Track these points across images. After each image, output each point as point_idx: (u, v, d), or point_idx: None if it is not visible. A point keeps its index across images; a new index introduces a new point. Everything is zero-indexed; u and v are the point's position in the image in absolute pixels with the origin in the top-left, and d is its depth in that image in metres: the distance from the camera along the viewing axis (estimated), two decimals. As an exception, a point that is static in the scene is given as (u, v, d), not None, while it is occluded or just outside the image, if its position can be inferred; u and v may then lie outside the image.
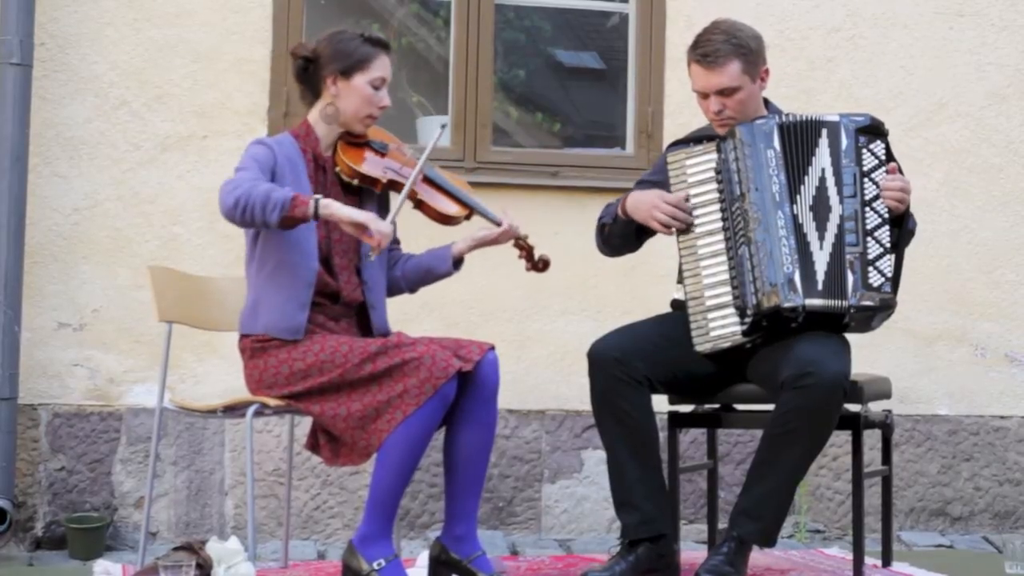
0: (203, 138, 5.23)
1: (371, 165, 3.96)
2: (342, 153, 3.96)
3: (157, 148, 5.20)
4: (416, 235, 4.36)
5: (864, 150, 4.03)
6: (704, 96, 4.12)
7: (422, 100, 6.10)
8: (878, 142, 4.05)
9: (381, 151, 4.01)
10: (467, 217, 4.08)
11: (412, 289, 4.18)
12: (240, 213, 3.69)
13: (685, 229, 4.06)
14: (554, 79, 6.50)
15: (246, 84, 5.26)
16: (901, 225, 4.04)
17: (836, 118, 4.05)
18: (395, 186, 3.95)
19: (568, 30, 6.40)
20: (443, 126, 4.04)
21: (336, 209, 3.71)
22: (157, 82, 5.21)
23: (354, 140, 4.00)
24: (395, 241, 4.17)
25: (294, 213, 3.68)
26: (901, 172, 4.04)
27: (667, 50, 5.54)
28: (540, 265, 4.15)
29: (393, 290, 4.16)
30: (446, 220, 4.04)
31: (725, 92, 4.07)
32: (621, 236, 4.25)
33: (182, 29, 5.23)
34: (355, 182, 3.97)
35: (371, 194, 4.05)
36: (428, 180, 4.04)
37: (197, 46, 5.24)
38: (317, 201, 3.69)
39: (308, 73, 3.99)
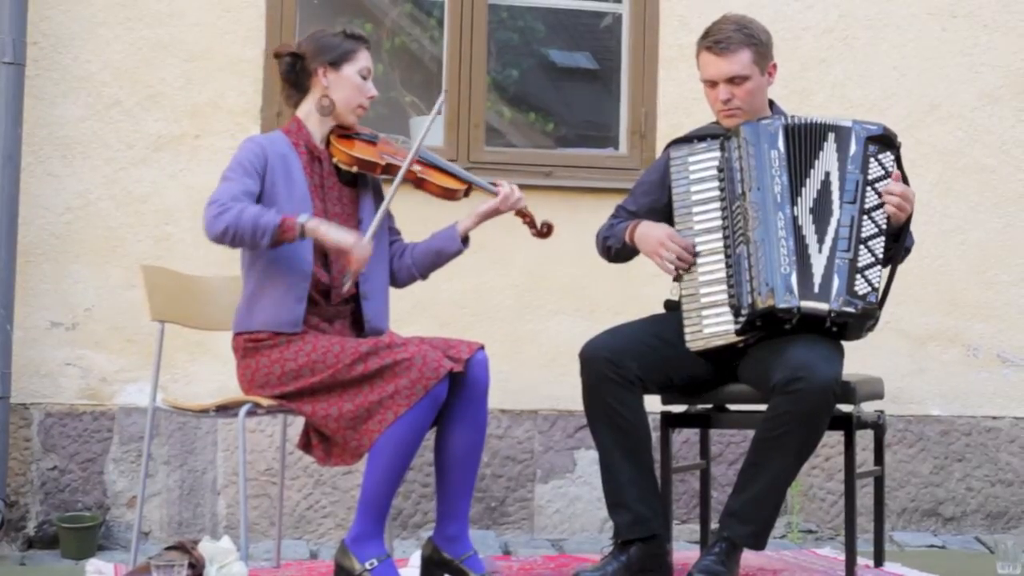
0: (196, 138, 5.23)
1: (367, 151, 4.02)
2: (337, 144, 4.02)
3: (150, 147, 5.20)
4: (415, 222, 4.36)
5: (872, 159, 4.03)
6: (712, 85, 4.13)
7: (415, 100, 6.10)
8: (888, 153, 4.05)
9: (372, 141, 4.08)
10: (466, 192, 4.13)
11: (424, 275, 4.20)
12: (229, 240, 3.78)
13: (687, 269, 4.07)
14: (547, 79, 6.50)
15: (239, 84, 5.26)
16: (899, 239, 4.05)
17: (848, 124, 4.06)
18: (392, 169, 4.01)
19: (561, 30, 6.39)
20: (444, 91, 4.10)
21: (323, 232, 3.79)
22: (150, 81, 5.21)
23: (345, 133, 4.06)
24: (395, 232, 4.20)
25: (283, 237, 3.77)
26: (907, 184, 4.04)
27: (660, 51, 5.55)
28: (544, 230, 4.20)
29: (406, 279, 4.18)
30: (448, 194, 4.10)
31: (735, 80, 4.09)
32: (626, 257, 4.30)
33: (175, 29, 5.23)
34: (354, 169, 4.02)
35: (367, 183, 4.11)
36: (423, 161, 4.10)
37: (190, 46, 5.24)
38: (303, 225, 3.77)
39: (295, 70, 4.04)
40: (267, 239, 3.75)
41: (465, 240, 4.13)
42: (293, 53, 4.03)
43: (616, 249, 4.26)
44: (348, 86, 4.00)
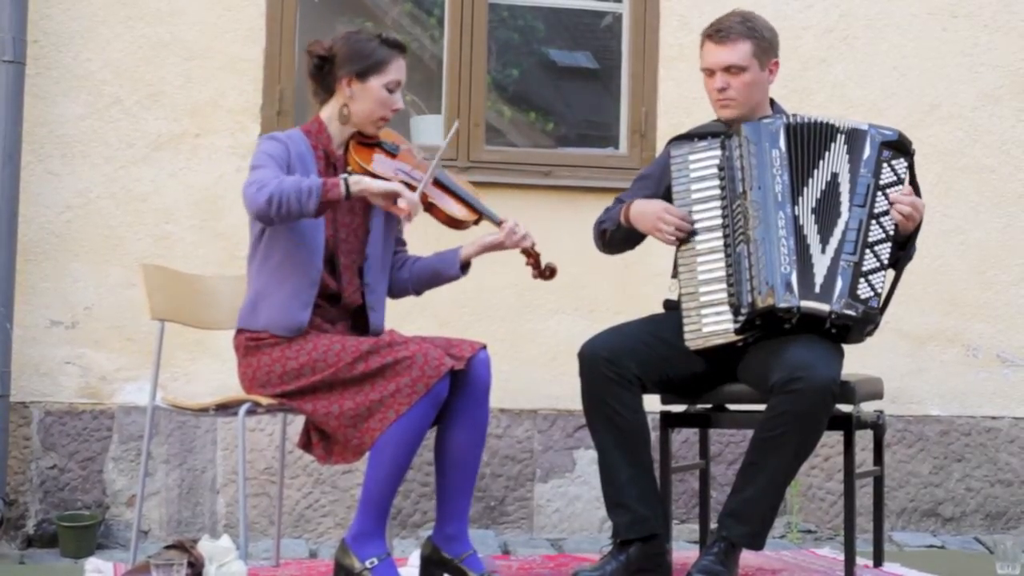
0: (196, 136, 5.23)
1: (383, 166, 3.95)
2: (354, 153, 3.94)
3: (150, 146, 5.20)
4: (423, 237, 4.36)
5: (885, 164, 4.02)
6: (710, 74, 4.13)
7: (415, 99, 6.11)
8: (901, 160, 4.05)
9: (392, 152, 3.99)
10: (475, 222, 4.06)
11: (418, 291, 4.18)
12: (276, 209, 3.68)
13: (686, 239, 4.07)
14: (547, 79, 6.50)
15: (239, 82, 5.26)
16: (904, 247, 4.05)
17: (865, 127, 4.05)
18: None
19: (562, 30, 6.40)
20: (455, 126, 4.06)
21: (367, 184, 3.74)
22: (150, 80, 5.21)
23: (366, 140, 3.98)
24: (401, 243, 4.18)
25: (328, 197, 3.70)
26: (919, 195, 4.04)
27: (660, 50, 5.55)
28: (547, 273, 4.12)
29: (399, 292, 4.17)
30: (455, 224, 4.02)
31: (731, 70, 4.09)
32: (622, 241, 4.28)
33: (175, 27, 5.23)
34: None
35: None
36: (438, 183, 4.02)
37: (190, 44, 5.24)
38: (347, 180, 3.71)
39: (323, 71, 3.96)
40: (314, 200, 3.67)
41: (465, 267, 4.11)
42: (322, 55, 3.94)
43: (611, 232, 4.24)
44: (371, 99, 3.92)
